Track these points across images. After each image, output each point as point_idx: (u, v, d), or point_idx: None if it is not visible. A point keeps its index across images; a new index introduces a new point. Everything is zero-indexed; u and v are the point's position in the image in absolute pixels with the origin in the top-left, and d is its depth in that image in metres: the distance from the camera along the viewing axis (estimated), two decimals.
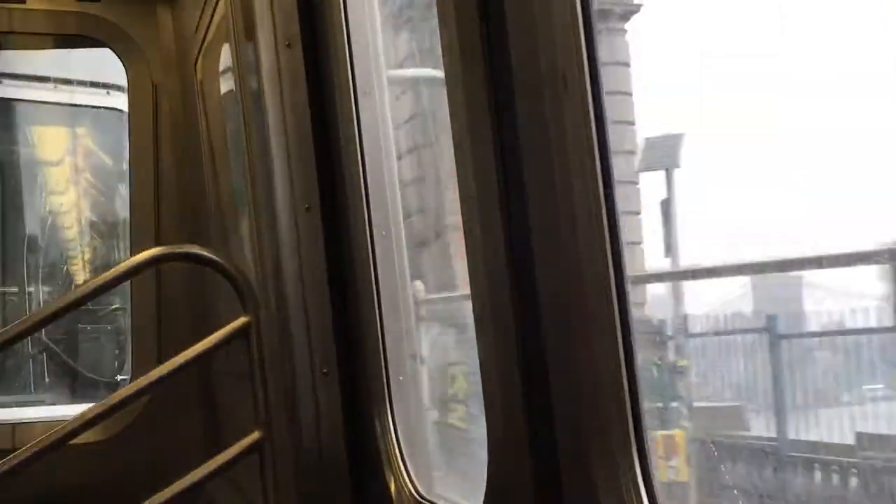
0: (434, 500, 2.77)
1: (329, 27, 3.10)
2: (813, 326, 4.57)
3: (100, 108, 6.35)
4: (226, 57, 4.06)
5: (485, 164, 1.99)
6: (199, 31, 4.48)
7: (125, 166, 6.26)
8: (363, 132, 3.03)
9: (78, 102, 6.50)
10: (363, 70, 3.05)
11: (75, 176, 7.02)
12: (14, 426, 5.09)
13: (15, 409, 5.86)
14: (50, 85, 6.34)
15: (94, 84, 6.28)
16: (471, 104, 2.03)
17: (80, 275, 6.92)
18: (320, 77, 3.19)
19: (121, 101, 5.97)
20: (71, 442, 3.08)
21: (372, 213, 3.01)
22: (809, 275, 4.21)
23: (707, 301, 4.87)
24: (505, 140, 1.93)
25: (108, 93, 6.15)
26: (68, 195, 7.09)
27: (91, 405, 3.39)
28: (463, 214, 2.15)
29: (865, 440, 3.90)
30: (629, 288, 1.70)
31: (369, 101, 3.06)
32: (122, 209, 6.56)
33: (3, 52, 5.92)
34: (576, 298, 1.75)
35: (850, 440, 4.09)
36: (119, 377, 6.36)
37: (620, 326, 1.68)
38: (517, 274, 1.94)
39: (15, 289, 6.78)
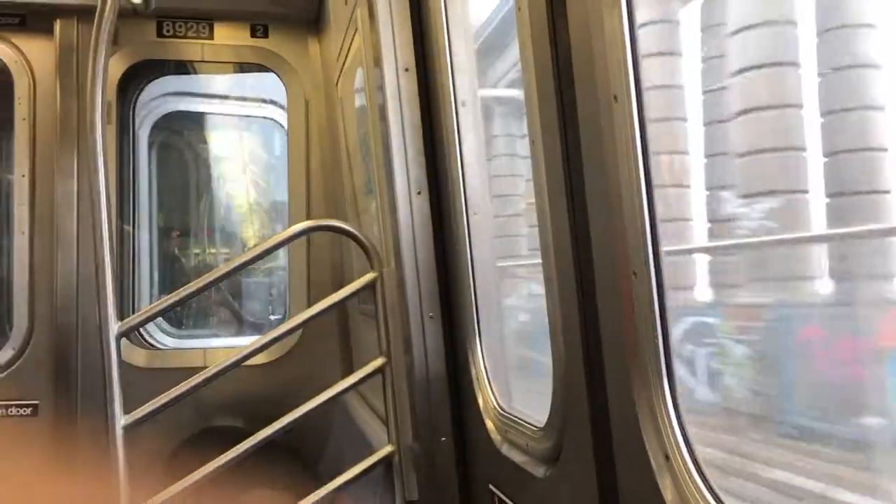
0: (512, 412, 2.78)
1: (437, 55, 3.12)
2: None
3: (258, 117, 6.49)
4: (359, 78, 4.13)
5: (553, 162, 2.03)
6: (339, 58, 4.55)
7: (265, 156, 6.39)
8: (461, 135, 3.05)
9: (243, 113, 6.64)
10: (462, 87, 3.06)
11: (243, 167, 7.19)
12: (205, 350, 5.34)
13: (205, 340, 6.13)
14: (217, 101, 6.44)
15: (255, 99, 6.38)
16: (543, 115, 2.05)
17: (250, 240, 7.10)
18: (430, 93, 3.22)
19: (271, 112, 6.11)
20: (245, 363, 3.16)
21: (468, 197, 3.03)
22: None
23: None
24: (569, 143, 1.95)
25: (263, 106, 6.26)
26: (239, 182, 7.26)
27: (258, 336, 3.46)
28: (536, 198, 2.17)
29: None
30: (662, 248, 1.68)
31: (466, 111, 3.06)
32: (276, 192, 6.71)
33: (193, 77, 6.09)
34: (621, 257, 1.76)
35: None
36: (271, 317, 6.56)
37: (655, 277, 1.67)
38: (577, 242, 1.96)
39: (200, 251, 6.98)
